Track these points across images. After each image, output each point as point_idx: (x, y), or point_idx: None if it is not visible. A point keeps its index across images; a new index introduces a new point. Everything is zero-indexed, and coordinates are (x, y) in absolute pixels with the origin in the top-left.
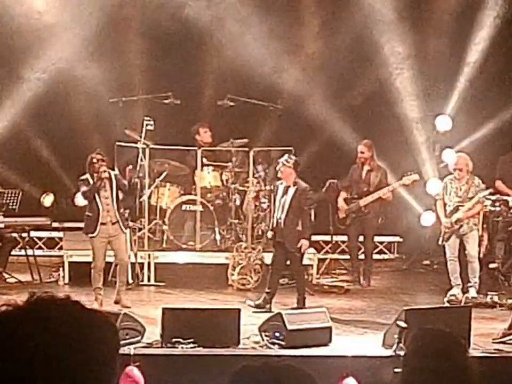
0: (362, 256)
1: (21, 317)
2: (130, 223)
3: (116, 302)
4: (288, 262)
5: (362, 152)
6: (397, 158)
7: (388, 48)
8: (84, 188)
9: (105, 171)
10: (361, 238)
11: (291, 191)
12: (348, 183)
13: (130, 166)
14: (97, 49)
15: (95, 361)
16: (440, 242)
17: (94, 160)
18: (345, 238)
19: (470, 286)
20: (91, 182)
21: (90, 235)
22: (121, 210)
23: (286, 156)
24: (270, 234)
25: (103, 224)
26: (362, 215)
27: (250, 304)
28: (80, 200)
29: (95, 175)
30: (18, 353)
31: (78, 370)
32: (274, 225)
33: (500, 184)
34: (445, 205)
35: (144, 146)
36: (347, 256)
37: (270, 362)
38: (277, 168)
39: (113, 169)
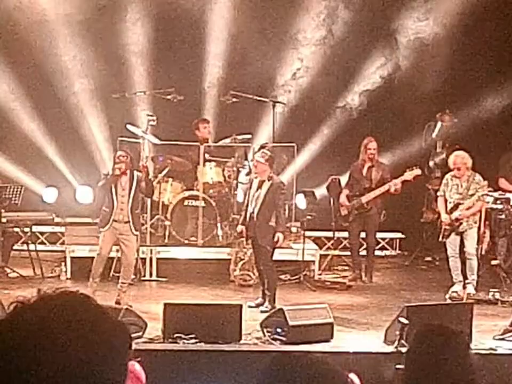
0: (363, 253)
1: (31, 313)
2: None
3: (117, 303)
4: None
5: (374, 149)
6: (399, 154)
7: (390, 44)
8: (101, 182)
9: (118, 168)
10: (363, 234)
11: (266, 185)
12: (350, 180)
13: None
14: (100, 44)
15: (107, 357)
16: (440, 239)
17: (116, 158)
18: (346, 234)
19: (468, 283)
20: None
21: (101, 229)
22: (137, 211)
23: (260, 151)
24: (239, 228)
25: (115, 220)
26: (365, 211)
27: (251, 305)
28: (80, 197)
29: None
30: (29, 349)
31: (89, 366)
32: (248, 219)
33: (503, 182)
34: (446, 201)
35: (146, 141)
36: (349, 253)
37: (304, 355)
38: (252, 164)
39: (139, 171)
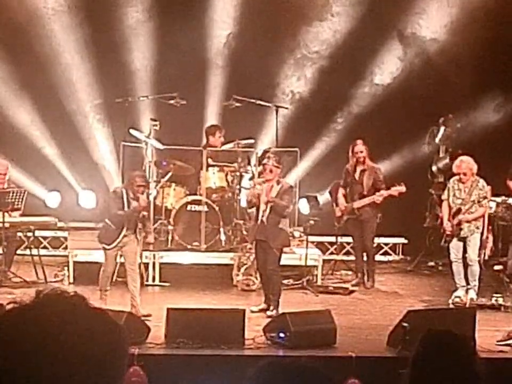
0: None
1: (28, 314)
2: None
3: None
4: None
5: (361, 152)
6: (401, 159)
7: (391, 49)
8: (117, 204)
9: (144, 200)
10: None
11: (275, 189)
12: (344, 184)
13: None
14: (103, 48)
15: (103, 359)
16: (442, 243)
17: (135, 182)
18: (349, 239)
19: (469, 288)
20: (125, 198)
21: (106, 246)
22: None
23: (272, 156)
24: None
25: (125, 236)
26: (356, 217)
27: (254, 310)
28: (83, 201)
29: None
30: (25, 350)
31: (85, 368)
32: (257, 223)
33: (511, 184)
34: (450, 206)
35: (149, 146)
36: (352, 257)
37: (296, 361)
38: (267, 169)
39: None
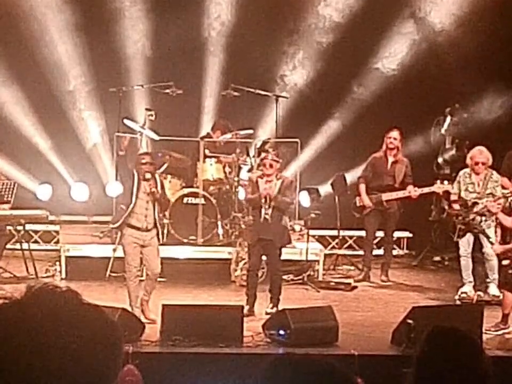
0: (375, 252)
1: (18, 310)
2: None
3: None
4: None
5: (395, 139)
6: (407, 150)
7: (399, 38)
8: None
9: (149, 175)
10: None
11: (276, 184)
12: (369, 173)
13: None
14: (97, 36)
15: (97, 357)
16: (455, 239)
17: (140, 160)
18: (352, 232)
19: (489, 282)
20: (136, 180)
21: (111, 225)
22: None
23: (271, 150)
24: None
25: (138, 228)
26: (383, 209)
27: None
28: (76, 194)
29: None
30: (16, 347)
31: (78, 365)
32: (262, 220)
33: (501, 178)
34: (461, 199)
35: (144, 137)
36: (354, 252)
37: (309, 357)
38: (266, 164)
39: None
